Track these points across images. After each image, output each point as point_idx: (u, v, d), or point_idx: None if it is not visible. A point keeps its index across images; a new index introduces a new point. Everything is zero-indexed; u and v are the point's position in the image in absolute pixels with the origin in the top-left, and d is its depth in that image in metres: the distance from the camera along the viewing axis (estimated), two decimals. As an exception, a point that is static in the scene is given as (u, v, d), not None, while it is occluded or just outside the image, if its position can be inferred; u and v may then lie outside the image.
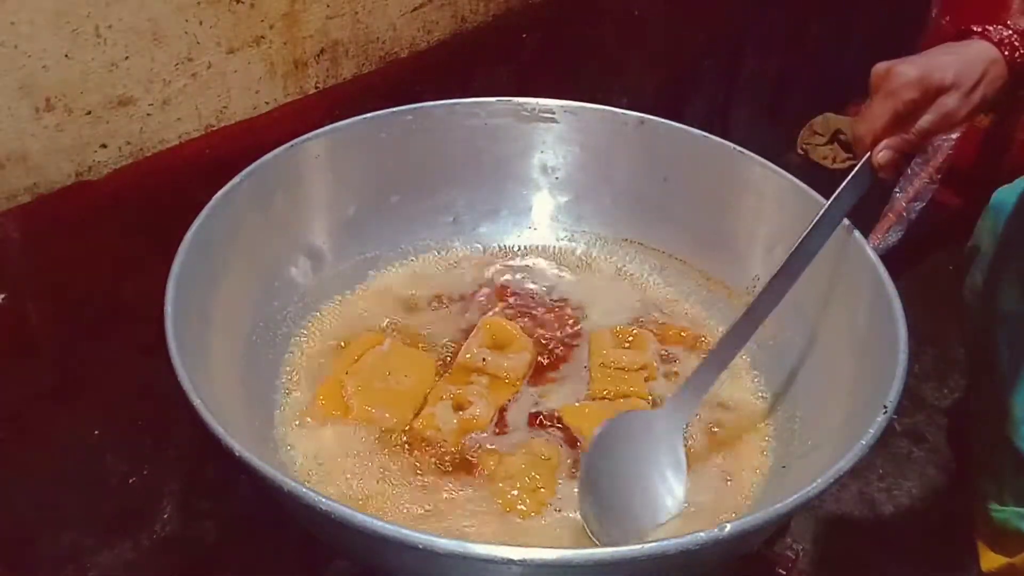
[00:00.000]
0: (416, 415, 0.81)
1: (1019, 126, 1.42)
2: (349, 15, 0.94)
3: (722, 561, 0.68)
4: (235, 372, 0.78)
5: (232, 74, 0.86)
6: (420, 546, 0.53)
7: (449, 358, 0.87)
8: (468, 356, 0.86)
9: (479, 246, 1.01)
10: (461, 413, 0.81)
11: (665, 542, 0.53)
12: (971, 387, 1.06)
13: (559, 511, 0.74)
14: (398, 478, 0.76)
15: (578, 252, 1.01)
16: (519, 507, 0.74)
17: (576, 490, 0.74)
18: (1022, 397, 0.97)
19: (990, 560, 1.03)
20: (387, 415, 0.80)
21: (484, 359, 0.85)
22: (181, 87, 0.82)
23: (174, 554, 0.91)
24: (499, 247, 1.01)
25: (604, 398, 0.84)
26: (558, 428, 0.81)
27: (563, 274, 0.99)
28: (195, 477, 0.94)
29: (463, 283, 0.96)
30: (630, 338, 0.90)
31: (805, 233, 0.77)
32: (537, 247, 1.02)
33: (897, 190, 1.40)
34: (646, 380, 0.86)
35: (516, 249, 1.01)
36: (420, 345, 0.88)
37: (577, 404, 0.83)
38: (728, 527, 0.55)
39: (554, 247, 1.02)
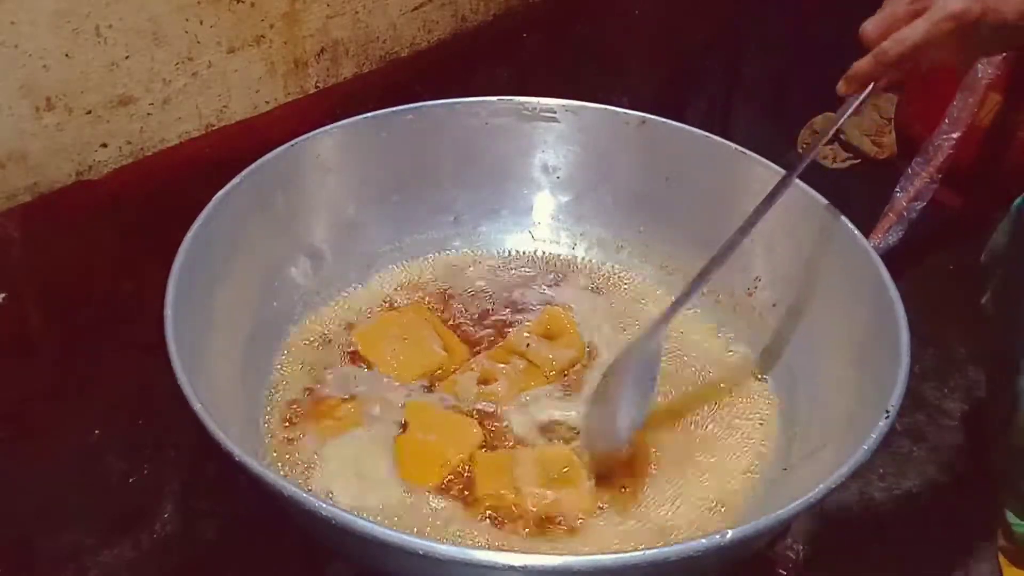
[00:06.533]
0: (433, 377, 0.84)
1: (1019, 125, 1.42)
2: (349, 14, 0.94)
3: (722, 565, 0.68)
4: (235, 372, 0.78)
5: (232, 73, 0.86)
6: (421, 552, 0.53)
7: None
8: (516, 338, 0.87)
9: (480, 246, 1.01)
10: (483, 387, 0.82)
11: (667, 548, 0.54)
12: (990, 400, 1.05)
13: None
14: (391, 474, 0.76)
15: (579, 252, 1.01)
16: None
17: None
18: None
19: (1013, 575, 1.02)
20: (402, 365, 0.84)
21: (529, 344, 0.86)
22: (181, 86, 0.82)
23: (174, 554, 0.91)
24: (499, 246, 1.01)
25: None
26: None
27: (563, 274, 0.99)
28: (195, 477, 0.94)
29: (463, 283, 0.96)
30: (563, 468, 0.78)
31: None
32: (537, 246, 1.02)
33: (897, 190, 1.40)
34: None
35: (516, 248, 1.01)
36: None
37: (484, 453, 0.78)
38: (730, 534, 0.55)
39: (555, 246, 1.02)
